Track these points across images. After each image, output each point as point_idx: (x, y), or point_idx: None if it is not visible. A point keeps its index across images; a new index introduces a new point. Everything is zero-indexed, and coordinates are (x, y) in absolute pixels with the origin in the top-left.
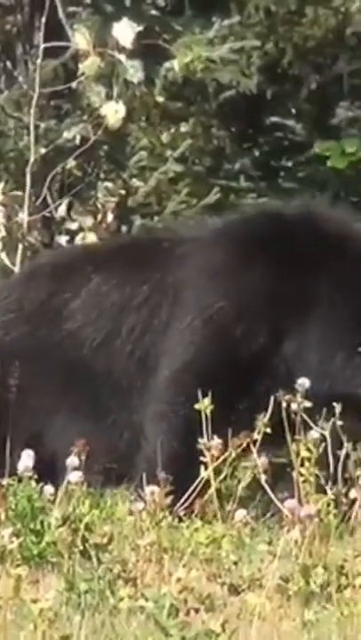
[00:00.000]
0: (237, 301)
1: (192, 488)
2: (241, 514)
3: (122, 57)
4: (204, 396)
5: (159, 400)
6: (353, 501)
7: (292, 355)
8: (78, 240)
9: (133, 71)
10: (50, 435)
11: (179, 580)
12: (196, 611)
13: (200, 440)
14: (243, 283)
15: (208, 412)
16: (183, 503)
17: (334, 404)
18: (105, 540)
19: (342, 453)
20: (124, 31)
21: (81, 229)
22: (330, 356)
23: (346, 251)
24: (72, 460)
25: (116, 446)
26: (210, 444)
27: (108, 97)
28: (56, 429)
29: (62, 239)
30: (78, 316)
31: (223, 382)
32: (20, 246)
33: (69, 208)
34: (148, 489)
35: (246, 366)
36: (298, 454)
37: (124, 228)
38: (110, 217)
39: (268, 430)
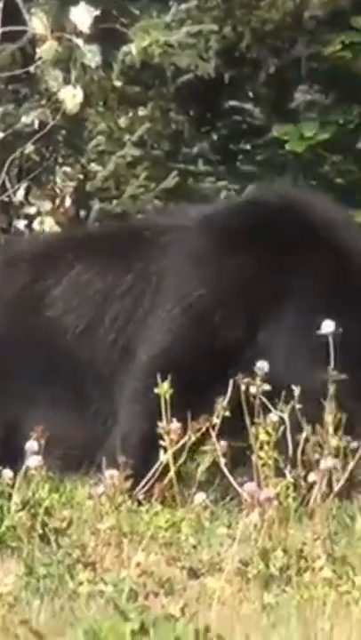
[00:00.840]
0: (217, 290)
1: (152, 472)
2: (200, 497)
3: (79, 41)
4: (179, 381)
5: (133, 383)
6: (312, 485)
7: (265, 345)
8: (36, 224)
9: (91, 55)
10: (31, 423)
11: (138, 564)
12: (156, 595)
13: (160, 424)
14: (224, 272)
15: (168, 396)
16: (143, 487)
17: (294, 387)
18: (64, 525)
19: (302, 437)
20: (82, 15)
21: (39, 214)
22: (299, 346)
23: (328, 241)
24: (31, 445)
25: (97, 435)
26: (169, 428)
27: (66, 81)
28: (37, 418)
29: (20, 224)
30: (60, 303)
31: (199, 369)
32: None
33: (27, 192)
34: (108, 473)
35: (222, 354)
36: (257, 438)
37: (82, 213)
38: (68, 201)
39: (228, 414)
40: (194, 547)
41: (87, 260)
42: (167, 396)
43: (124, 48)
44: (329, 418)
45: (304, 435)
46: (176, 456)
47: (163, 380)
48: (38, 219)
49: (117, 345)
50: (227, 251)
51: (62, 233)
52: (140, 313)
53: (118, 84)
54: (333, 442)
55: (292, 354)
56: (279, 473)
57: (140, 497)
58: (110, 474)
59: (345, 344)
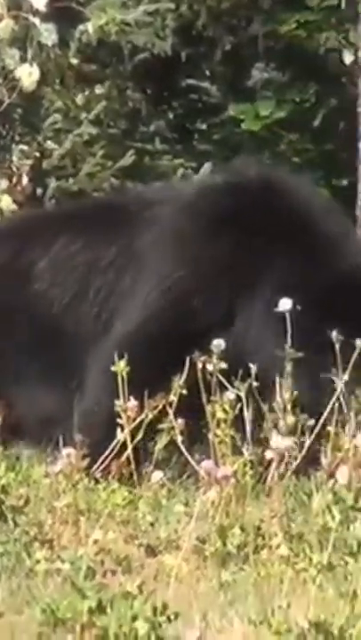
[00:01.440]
0: (196, 272)
1: (109, 450)
2: (158, 475)
3: (36, 20)
4: (149, 359)
5: (103, 358)
6: (269, 462)
7: (240, 328)
8: None
9: (47, 34)
10: (16, 396)
11: (95, 541)
12: (113, 572)
13: (117, 402)
14: (204, 253)
15: (125, 374)
16: (100, 465)
17: (250, 365)
18: (21, 503)
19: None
20: None
21: None
22: (269, 331)
23: (307, 224)
24: None
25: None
26: (126, 406)
27: (23, 60)
28: (23, 391)
29: None
30: (46, 276)
31: (172, 348)
32: None
33: None
34: (65, 450)
35: (197, 336)
36: (214, 416)
37: (39, 191)
38: (25, 179)
39: (186, 392)
40: (151, 524)
41: (73, 233)
42: (124, 374)
43: (81, 26)
44: (286, 396)
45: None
46: (134, 434)
47: (135, 358)
48: None
49: (100, 319)
50: (208, 232)
51: (44, 209)
52: (121, 288)
53: (75, 62)
54: (290, 419)
55: (264, 336)
56: (236, 451)
57: (98, 475)
58: (67, 452)
59: (317, 325)
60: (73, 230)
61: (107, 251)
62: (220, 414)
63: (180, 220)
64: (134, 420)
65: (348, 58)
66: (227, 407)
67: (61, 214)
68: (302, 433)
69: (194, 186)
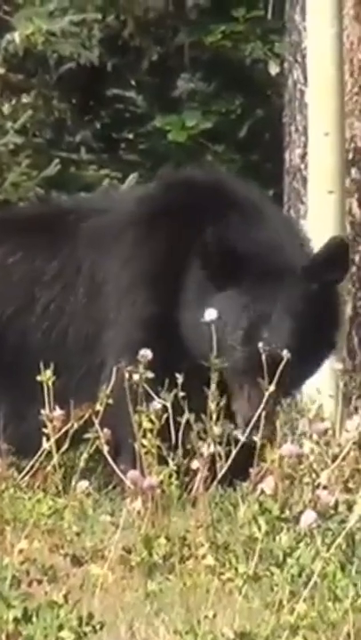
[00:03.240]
0: (144, 280)
1: (35, 459)
2: (83, 485)
3: None
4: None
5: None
6: (195, 472)
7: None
8: None
9: None
10: None
11: (21, 551)
12: (39, 582)
13: (42, 411)
14: (146, 261)
15: (50, 383)
16: (26, 474)
17: (177, 374)
18: None
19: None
20: None
21: None
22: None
23: (254, 220)
24: None
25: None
26: (52, 416)
27: None
28: None
29: None
30: None
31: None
32: None
33: None
34: None
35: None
36: (140, 425)
37: None
38: None
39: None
40: (77, 534)
41: (11, 245)
42: (49, 383)
43: (7, 36)
44: (212, 405)
45: (187, 422)
46: (59, 443)
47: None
48: None
49: (51, 334)
50: (150, 239)
51: None
52: (72, 302)
53: (1, 71)
54: (216, 430)
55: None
56: (162, 461)
57: (23, 484)
58: None
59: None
60: (11, 241)
61: (49, 263)
62: (146, 424)
63: (123, 230)
64: (60, 429)
65: (273, 69)
66: (153, 417)
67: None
68: (228, 443)
69: (130, 195)
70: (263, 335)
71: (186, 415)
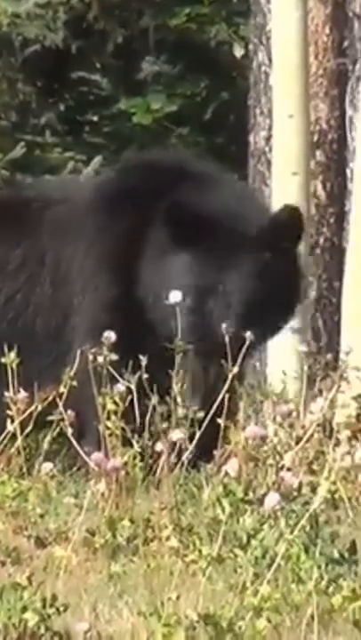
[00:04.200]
0: (108, 265)
1: None
2: (47, 467)
3: None
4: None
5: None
6: (159, 454)
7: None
8: None
9: None
10: None
11: None
12: (3, 564)
13: (6, 394)
14: (107, 245)
15: (14, 366)
16: None
17: (141, 356)
18: None
19: (149, 407)
20: None
21: None
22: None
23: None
24: None
25: None
26: (16, 398)
27: None
28: None
29: None
30: None
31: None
32: None
33: None
34: None
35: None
36: (104, 407)
37: None
38: None
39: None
40: (41, 516)
41: None
42: (13, 366)
43: None
44: (176, 388)
45: (151, 404)
46: (23, 425)
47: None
48: None
49: (17, 323)
50: (113, 226)
51: None
52: (38, 292)
53: None
54: (180, 411)
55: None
56: (126, 442)
57: None
58: None
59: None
60: None
61: (13, 252)
62: (110, 406)
63: (84, 215)
64: (24, 411)
65: (238, 51)
66: (117, 399)
67: None
68: (192, 424)
69: (92, 181)
70: (215, 299)
71: (151, 398)
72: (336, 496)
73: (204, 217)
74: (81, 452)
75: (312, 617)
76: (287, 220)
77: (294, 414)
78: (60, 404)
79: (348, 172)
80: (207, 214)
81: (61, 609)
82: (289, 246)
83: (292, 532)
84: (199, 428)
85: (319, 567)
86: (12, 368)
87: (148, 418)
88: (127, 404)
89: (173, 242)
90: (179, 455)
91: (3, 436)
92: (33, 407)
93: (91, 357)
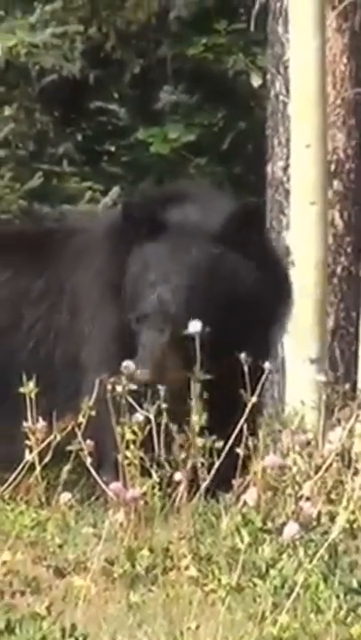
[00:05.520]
0: (111, 294)
1: (17, 471)
2: (66, 497)
3: None
4: None
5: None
6: (178, 484)
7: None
8: None
9: None
10: None
11: (4, 562)
12: (22, 593)
13: (25, 424)
14: (111, 273)
15: (33, 395)
16: (8, 486)
17: (159, 386)
18: None
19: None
20: None
21: None
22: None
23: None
24: None
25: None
26: (35, 428)
27: None
28: None
29: None
30: None
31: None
32: None
33: None
34: None
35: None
36: (123, 437)
37: None
38: None
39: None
40: (60, 546)
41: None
42: (32, 396)
43: None
44: (195, 417)
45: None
46: (42, 455)
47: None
48: None
49: (39, 352)
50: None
51: None
52: (57, 320)
53: None
54: (199, 442)
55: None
56: (145, 472)
57: (6, 496)
58: None
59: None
60: (0, 260)
61: (35, 282)
62: (129, 436)
63: (100, 245)
64: (43, 441)
65: (256, 81)
66: (136, 429)
67: None
68: (211, 454)
69: (109, 212)
70: (161, 287)
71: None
72: (355, 525)
73: (166, 218)
74: (100, 481)
75: None
76: (244, 216)
77: (313, 444)
78: (79, 433)
79: None
80: (169, 216)
81: (80, 639)
82: (245, 243)
83: (310, 562)
84: (218, 457)
85: (338, 597)
86: (30, 398)
87: (166, 447)
88: (146, 433)
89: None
90: (197, 485)
91: (21, 466)
92: (51, 437)
93: (109, 387)
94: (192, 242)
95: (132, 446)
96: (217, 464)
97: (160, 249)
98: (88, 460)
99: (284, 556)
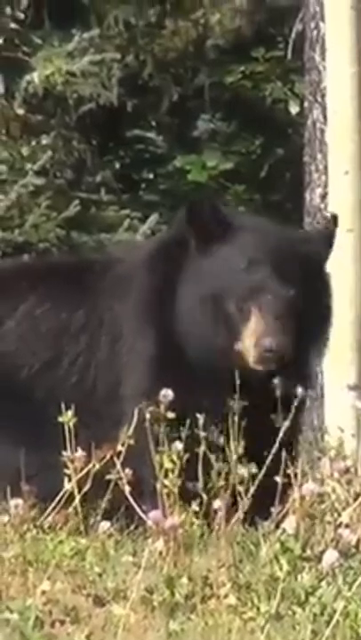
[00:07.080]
0: (148, 324)
1: (57, 500)
2: (105, 525)
3: None
4: None
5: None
6: (216, 512)
7: None
8: None
9: None
10: None
11: (44, 592)
12: (62, 622)
13: (63, 453)
14: (150, 303)
15: (72, 424)
16: (48, 515)
17: (198, 414)
18: None
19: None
20: None
21: None
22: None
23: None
24: None
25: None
26: (73, 457)
27: None
28: None
29: None
30: (13, 338)
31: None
32: None
33: None
34: (13, 502)
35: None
36: (161, 466)
37: None
38: None
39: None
40: (99, 575)
41: (40, 295)
42: (71, 425)
43: (27, 77)
44: (233, 446)
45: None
46: (81, 484)
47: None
48: None
49: (83, 386)
50: (166, 285)
51: (10, 264)
52: (98, 353)
53: (21, 112)
54: (240, 470)
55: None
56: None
57: (46, 526)
58: (15, 503)
59: None
60: (38, 291)
61: (74, 314)
62: (167, 464)
63: (140, 275)
64: (82, 470)
65: (293, 108)
66: (174, 457)
67: (28, 272)
68: (250, 482)
69: (148, 241)
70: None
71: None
72: None
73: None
74: (139, 510)
75: None
76: (323, 230)
77: (352, 471)
78: (118, 462)
79: None
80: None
81: None
82: (319, 251)
83: (350, 589)
84: (256, 485)
85: None
86: (69, 426)
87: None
88: (184, 461)
89: (196, 247)
90: (236, 512)
91: (60, 494)
92: (90, 466)
93: (148, 416)
94: (272, 234)
95: (170, 475)
96: (251, 490)
97: (236, 243)
98: (127, 489)
99: (324, 583)
